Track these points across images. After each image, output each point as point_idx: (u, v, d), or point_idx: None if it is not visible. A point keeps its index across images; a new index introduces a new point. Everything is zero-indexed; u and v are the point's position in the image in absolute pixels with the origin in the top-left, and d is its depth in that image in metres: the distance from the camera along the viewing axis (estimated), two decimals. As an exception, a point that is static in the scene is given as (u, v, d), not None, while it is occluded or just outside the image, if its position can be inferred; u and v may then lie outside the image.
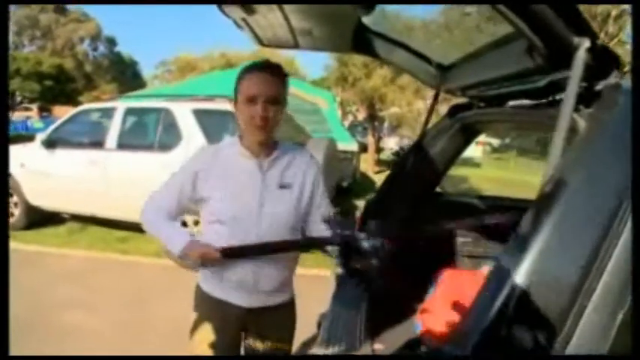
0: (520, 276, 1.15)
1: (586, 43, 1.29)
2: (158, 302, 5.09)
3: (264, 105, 1.91)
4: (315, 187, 2.15)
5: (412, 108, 17.53)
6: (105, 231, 7.78)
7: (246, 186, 2.01)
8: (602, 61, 1.39)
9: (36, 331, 4.38)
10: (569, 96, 1.30)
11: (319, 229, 2.09)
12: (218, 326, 2.13)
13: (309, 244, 2.10)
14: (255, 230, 1.99)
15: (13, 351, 3.93)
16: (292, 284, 2.29)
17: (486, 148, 26.68)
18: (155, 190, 2.21)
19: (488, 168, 19.77)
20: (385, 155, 22.98)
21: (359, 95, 17.25)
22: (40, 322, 4.56)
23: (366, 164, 17.30)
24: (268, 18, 2.32)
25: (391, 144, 25.36)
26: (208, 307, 2.16)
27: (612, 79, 1.41)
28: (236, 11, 2.22)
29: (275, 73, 1.97)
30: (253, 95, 1.91)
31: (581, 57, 1.30)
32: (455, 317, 2.20)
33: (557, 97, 1.76)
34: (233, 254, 1.97)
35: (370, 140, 18.78)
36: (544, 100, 1.88)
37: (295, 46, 2.76)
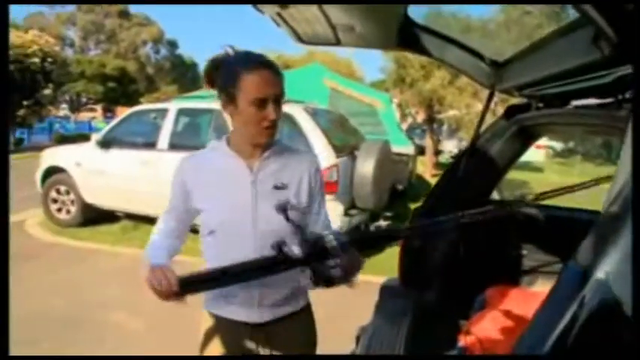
0: (590, 297, 0.94)
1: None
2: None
3: (274, 106, 1.74)
4: (312, 188, 1.96)
5: (470, 110, 17.04)
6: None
7: (236, 189, 1.85)
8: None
9: (79, 329, 4.39)
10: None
11: (316, 227, 1.95)
12: (228, 347, 1.98)
13: (275, 263, 1.54)
14: (251, 236, 1.82)
15: (54, 347, 4.01)
16: (305, 289, 2.07)
17: (548, 152, 25.75)
18: None
19: (550, 173, 19.03)
20: (444, 158, 22.53)
21: (417, 97, 16.88)
22: (84, 320, 4.57)
23: (424, 167, 16.98)
24: (305, 13, 2.17)
25: (450, 147, 24.81)
26: (215, 328, 2.00)
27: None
28: (270, 6, 2.09)
29: (276, 69, 1.79)
30: (264, 97, 1.72)
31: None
32: (500, 339, 2.01)
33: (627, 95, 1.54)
34: (191, 286, 1.59)
35: (428, 143, 18.40)
36: (611, 100, 1.65)
37: (337, 42, 2.60)
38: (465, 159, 2.83)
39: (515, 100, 2.79)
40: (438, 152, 20.26)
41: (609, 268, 0.94)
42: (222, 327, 1.97)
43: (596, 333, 0.94)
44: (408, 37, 2.51)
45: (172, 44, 57.48)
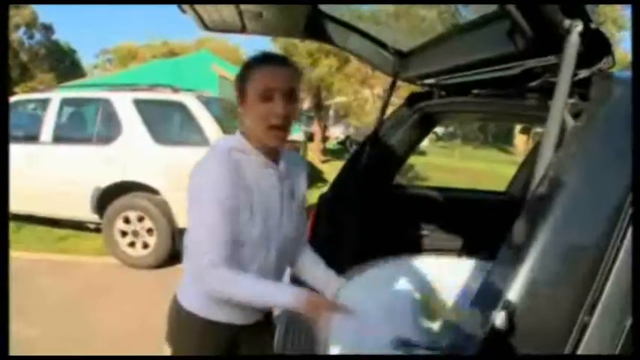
0: (515, 290, 1.01)
1: (579, 26, 1.16)
2: (100, 303, 4.83)
3: (282, 101, 1.61)
4: (305, 190, 1.95)
5: (358, 97, 17.49)
6: (43, 230, 7.36)
7: (269, 199, 1.73)
8: (592, 46, 1.25)
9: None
10: (561, 85, 1.16)
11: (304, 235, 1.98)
12: (208, 349, 1.87)
13: None
14: (274, 247, 1.76)
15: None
16: None
17: (431, 137, 27.03)
18: (198, 245, 1.69)
19: (433, 156, 20.01)
20: (331, 144, 22.95)
21: (304, 85, 17.06)
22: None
23: (313, 153, 17.17)
24: (215, -1, 2.13)
25: (337, 133, 25.35)
26: (195, 330, 1.87)
27: (602, 66, 1.28)
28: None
29: (289, 64, 1.70)
30: (272, 89, 1.61)
31: (574, 42, 1.16)
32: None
33: (530, 85, 1.65)
34: None
35: (316, 129, 18.67)
36: (512, 89, 1.77)
37: (243, 30, 2.58)
38: (368, 146, 2.90)
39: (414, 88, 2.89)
40: (325, 138, 20.58)
41: (541, 245, 1.02)
42: (202, 328, 1.85)
43: (531, 309, 1.01)
44: (314, 26, 2.53)
45: (48, 29, 53.65)
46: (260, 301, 1.68)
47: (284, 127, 1.64)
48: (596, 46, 1.24)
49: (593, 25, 1.18)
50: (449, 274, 1.78)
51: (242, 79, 1.67)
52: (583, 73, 1.30)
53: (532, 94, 1.66)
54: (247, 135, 1.72)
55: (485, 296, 1.06)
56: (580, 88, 1.30)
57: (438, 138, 28.39)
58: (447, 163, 20.49)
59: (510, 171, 3.76)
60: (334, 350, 1.53)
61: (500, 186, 3.82)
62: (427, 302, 1.69)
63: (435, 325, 1.63)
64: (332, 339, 1.54)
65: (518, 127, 31.47)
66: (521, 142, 32.06)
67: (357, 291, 1.67)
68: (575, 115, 1.26)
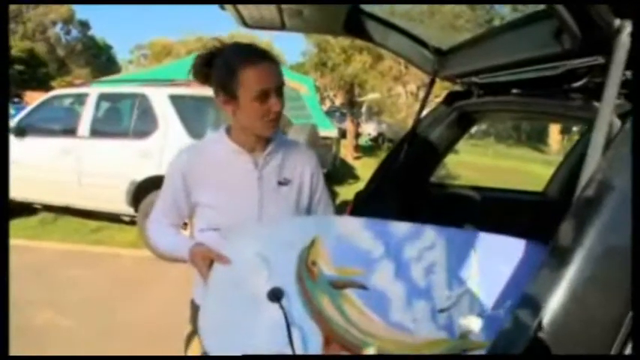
0: (559, 294, 1.01)
1: (629, 27, 1.14)
2: (134, 295, 4.91)
3: (276, 98, 1.69)
4: (314, 182, 1.96)
5: (391, 94, 17.43)
6: (79, 222, 7.49)
7: (242, 186, 1.79)
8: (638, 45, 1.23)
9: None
10: (610, 87, 1.15)
11: None
12: None
13: None
14: None
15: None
16: None
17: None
18: (153, 209, 1.98)
19: (465, 154, 19.76)
20: (363, 141, 22.88)
21: (338, 81, 17.07)
22: (10, 321, 4.32)
23: (345, 150, 17.18)
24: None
25: (369, 130, 25.21)
26: None
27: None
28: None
29: (275, 59, 1.73)
30: (267, 89, 1.66)
31: (624, 42, 1.14)
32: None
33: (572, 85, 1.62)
34: None
35: (349, 126, 18.65)
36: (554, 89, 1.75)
37: (282, 27, 2.59)
38: (406, 144, 2.89)
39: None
40: (358, 135, 20.56)
41: (588, 249, 1.02)
42: None
43: (576, 314, 1.01)
44: (353, 23, 2.53)
45: (84, 25, 54.65)
46: (170, 252, 1.83)
47: (277, 120, 1.74)
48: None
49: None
50: (338, 229, 1.68)
51: (227, 79, 1.68)
52: (628, 74, 1.29)
53: (574, 94, 1.64)
54: (233, 127, 1.81)
55: (530, 300, 1.05)
56: (624, 89, 1.28)
57: (471, 136, 28.07)
58: (480, 161, 20.25)
59: (544, 170, 3.72)
60: (208, 305, 1.59)
61: (534, 185, 3.78)
62: (306, 252, 1.64)
63: (308, 278, 1.58)
64: (208, 293, 1.59)
65: (552, 127, 30.99)
66: (555, 142, 31.58)
67: (241, 242, 1.65)
68: (621, 116, 1.24)
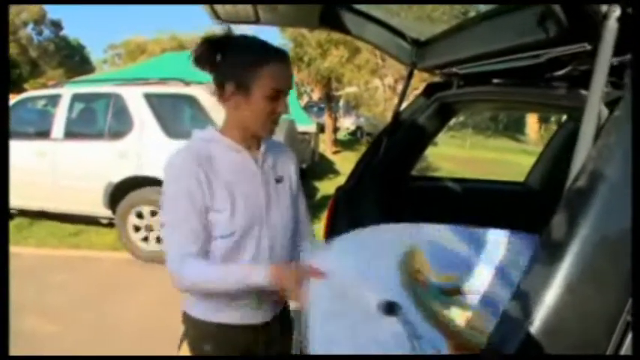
0: (554, 288, 0.97)
1: (616, 12, 1.11)
2: (117, 299, 4.85)
3: (283, 101, 1.65)
4: (297, 178, 1.94)
5: (369, 87, 17.40)
6: (55, 225, 7.35)
7: (252, 187, 1.71)
8: (625, 31, 1.20)
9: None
10: (598, 74, 1.11)
11: (304, 226, 1.96)
12: (224, 354, 1.81)
13: None
14: (265, 235, 1.73)
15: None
16: None
17: (442, 126, 26.89)
18: (168, 242, 1.67)
19: (444, 146, 19.86)
20: (341, 135, 22.88)
21: (314, 76, 16.97)
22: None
23: (324, 145, 17.16)
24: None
25: (347, 124, 25.24)
26: (207, 336, 1.81)
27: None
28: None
29: (290, 61, 1.69)
30: (281, 90, 1.62)
31: (612, 28, 1.11)
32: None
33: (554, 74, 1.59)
34: None
35: (327, 120, 18.62)
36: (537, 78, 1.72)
37: (256, 21, 2.53)
38: (385, 137, 2.85)
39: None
40: (336, 129, 20.54)
41: (581, 241, 0.98)
42: (215, 333, 1.79)
43: (571, 308, 0.97)
44: (329, 16, 2.48)
45: (56, 25, 53.65)
46: (235, 284, 1.60)
47: (277, 121, 1.70)
48: (628, 31, 1.19)
49: (629, 10, 1.12)
50: (426, 236, 1.73)
51: (242, 72, 1.60)
52: (615, 60, 1.25)
53: (557, 82, 1.61)
54: (229, 125, 1.72)
55: (523, 295, 1.02)
56: (611, 76, 1.25)
57: (449, 128, 28.22)
58: (459, 153, 20.37)
59: (523, 160, 3.72)
60: (316, 319, 1.43)
61: (514, 176, 3.78)
62: (408, 262, 1.63)
63: (419, 288, 1.56)
64: (312, 308, 1.44)
65: (529, 116, 31.27)
66: (532, 132, 31.87)
67: (332, 256, 1.59)
68: (608, 104, 1.21)
